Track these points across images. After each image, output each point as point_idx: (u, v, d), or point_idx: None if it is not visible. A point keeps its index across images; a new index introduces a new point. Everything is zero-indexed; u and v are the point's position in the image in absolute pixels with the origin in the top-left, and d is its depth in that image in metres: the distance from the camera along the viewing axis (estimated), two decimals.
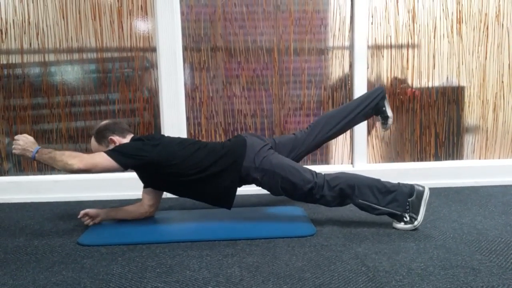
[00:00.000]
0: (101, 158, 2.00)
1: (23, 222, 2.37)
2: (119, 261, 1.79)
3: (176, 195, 2.24)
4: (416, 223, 2.06)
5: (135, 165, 2.07)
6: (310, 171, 2.12)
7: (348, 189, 2.06)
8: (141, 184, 2.26)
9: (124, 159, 2.02)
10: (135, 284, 1.58)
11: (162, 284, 1.57)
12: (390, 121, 2.34)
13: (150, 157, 2.05)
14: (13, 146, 2.00)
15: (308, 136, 2.31)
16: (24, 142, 1.99)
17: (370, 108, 2.33)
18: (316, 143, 2.33)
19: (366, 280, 1.56)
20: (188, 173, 2.08)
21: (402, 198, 2.06)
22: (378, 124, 2.44)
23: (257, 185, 2.15)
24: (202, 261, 1.77)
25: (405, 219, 2.07)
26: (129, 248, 1.93)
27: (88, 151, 2.91)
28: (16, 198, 2.82)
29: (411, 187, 2.08)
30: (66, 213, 2.51)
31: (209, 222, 2.22)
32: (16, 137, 2.00)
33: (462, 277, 1.56)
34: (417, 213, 2.05)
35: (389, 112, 2.34)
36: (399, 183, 2.11)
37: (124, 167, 2.04)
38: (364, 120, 2.42)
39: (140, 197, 2.29)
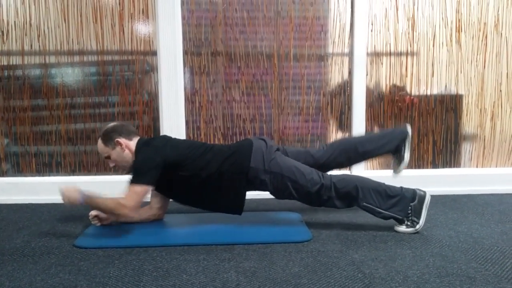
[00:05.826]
0: (134, 191, 1.99)
1: (21, 223, 2.37)
2: (116, 264, 1.79)
3: (184, 203, 2.24)
4: (417, 226, 2.10)
5: (158, 173, 2.05)
6: (317, 172, 2.13)
7: (354, 192, 2.10)
8: None
9: (148, 177, 2.02)
10: (131, 287, 1.58)
11: None
12: (403, 165, 2.34)
13: (165, 158, 2.05)
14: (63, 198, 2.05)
15: (322, 155, 2.31)
16: (67, 196, 2.01)
17: (390, 147, 2.35)
18: (328, 164, 2.32)
19: (362, 287, 1.57)
20: (196, 175, 2.09)
21: (405, 203, 2.10)
22: (391, 164, 2.43)
23: (263, 188, 2.14)
24: (199, 265, 1.77)
25: (407, 223, 2.11)
26: (126, 251, 1.93)
27: (86, 153, 2.91)
28: (14, 199, 2.82)
29: (413, 192, 2.12)
30: (63, 215, 2.51)
31: (206, 226, 2.22)
32: (61, 190, 2.03)
33: (458, 285, 1.57)
34: (418, 217, 2.10)
35: (406, 156, 2.34)
36: (401, 187, 2.14)
37: (154, 183, 2.05)
38: (380, 156, 2.45)
39: (147, 199, 2.28)
